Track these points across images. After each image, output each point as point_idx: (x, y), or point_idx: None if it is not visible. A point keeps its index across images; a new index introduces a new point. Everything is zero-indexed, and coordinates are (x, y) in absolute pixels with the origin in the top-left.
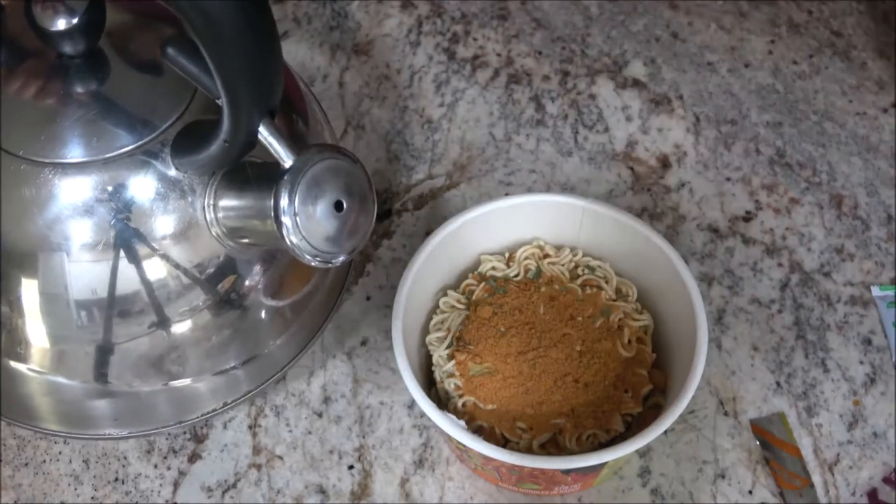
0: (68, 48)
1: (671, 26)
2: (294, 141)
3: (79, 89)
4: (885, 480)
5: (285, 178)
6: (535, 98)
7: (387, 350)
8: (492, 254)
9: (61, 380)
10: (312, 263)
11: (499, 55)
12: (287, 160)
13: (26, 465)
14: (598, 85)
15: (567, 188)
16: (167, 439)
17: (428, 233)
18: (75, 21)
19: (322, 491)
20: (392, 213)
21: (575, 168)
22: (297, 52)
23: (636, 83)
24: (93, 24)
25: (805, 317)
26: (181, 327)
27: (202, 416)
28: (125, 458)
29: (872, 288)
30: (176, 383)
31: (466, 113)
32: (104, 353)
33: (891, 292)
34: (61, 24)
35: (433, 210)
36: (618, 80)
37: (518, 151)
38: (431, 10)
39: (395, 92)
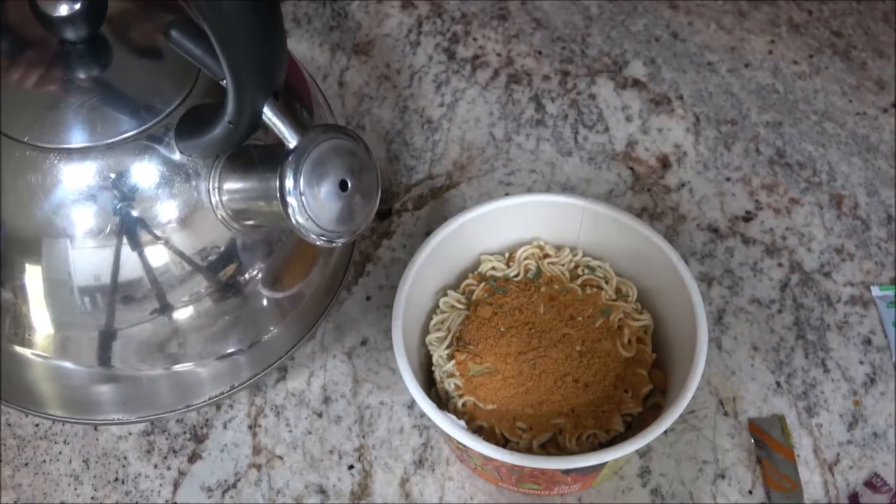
0: (70, 34)
1: (671, 26)
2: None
3: (81, 75)
4: (867, 485)
5: (290, 158)
6: (535, 98)
7: (387, 350)
8: (492, 254)
9: (65, 364)
10: (318, 242)
11: (499, 55)
12: (292, 140)
13: (26, 465)
14: (598, 85)
15: (567, 188)
16: (167, 439)
17: (428, 233)
18: (77, 7)
19: (322, 491)
20: (392, 213)
21: (575, 168)
22: (297, 52)
23: (636, 83)
24: (94, 9)
25: (805, 317)
26: (183, 313)
27: (203, 402)
28: (125, 458)
29: (872, 288)
30: (178, 368)
31: (466, 113)
32: (107, 338)
33: (891, 292)
34: (63, 10)
35: (433, 210)
36: (618, 80)
37: (518, 151)
38: (431, 10)
39: (395, 92)
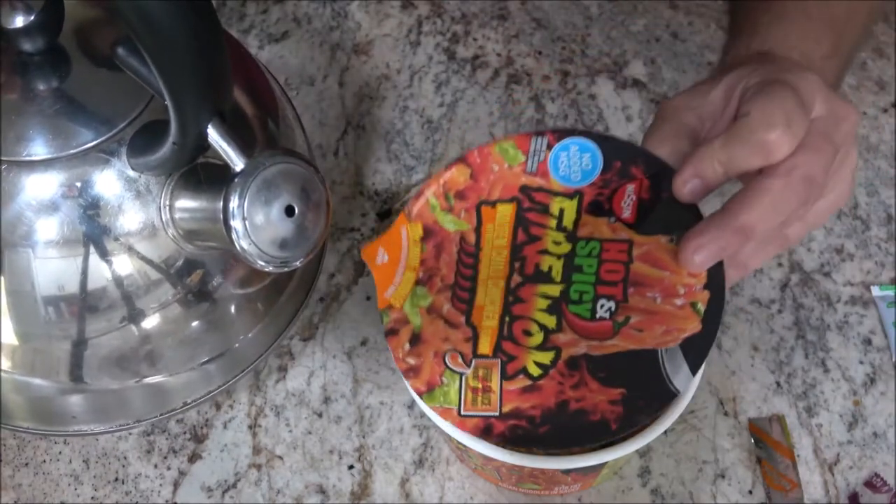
0: (27, 45)
1: (671, 26)
2: (266, 143)
3: (38, 86)
4: (867, 484)
5: (235, 181)
6: (535, 98)
7: (387, 350)
8: None
9: (31, 378)
10: (266, 269)
11: (499, 55)
12: (238, 163)
13: (26, 465)
14: (598, 85)
15: None
16: (167, 439)
17: None
18: (33, 18)
19: (322, 491)
20: (392, 213)
21: None
22: (297, 52)
23: (636, 83)
24: (51, 20)
25: (805, 317)
26: (149, 322)
27: (175, 410)
28: (125, 458)
29: (872, 288)
30: (148, 379)
31: (466, 113)
32: (73, 349)
33: (891, 292)
34: (19, 21)
35: None
36: (618, 80)
37: None
38: (431, 10)
39: (395, 92)
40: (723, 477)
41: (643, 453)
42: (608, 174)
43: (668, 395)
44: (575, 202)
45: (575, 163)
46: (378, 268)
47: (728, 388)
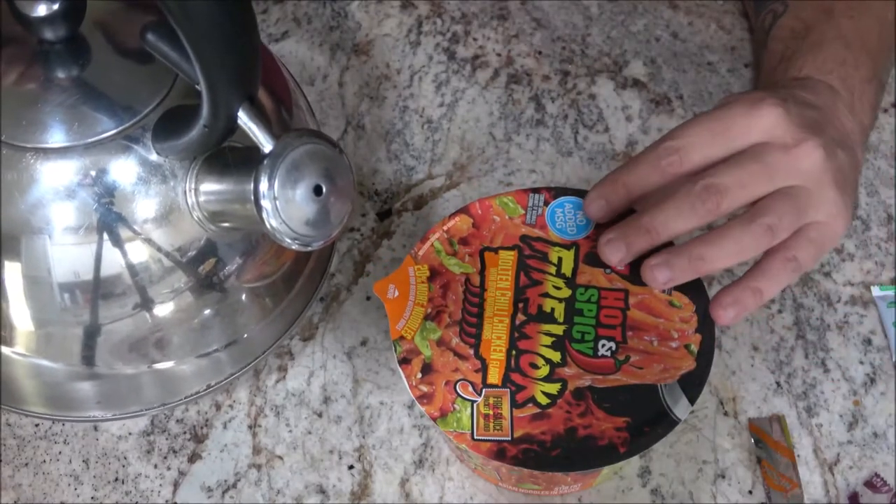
0: (49, 34)
1: (671, 26)
2: (282, 130)
3: (60, 75)
4: (867, 484)
5: (265, 162)
6: (535, 98)
7: (387, 350)
8: None
9: (45, 362)
10: (292, 247)
11: (499, 55)
12: (267, 144)
13: (26, 465)
14: (598, 85)
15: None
16: (167, 439)
17: None
18: (56, 7)
19: (322, 491)
20: (392, 212)
21: (575, 168)
22: (297, 52)
23: (636, 83)
24: (73, 9)
25: (805, 317)
26: (164, 309)
27: (186, 398)
28: (125, 458)
29: (872, 288)
30: (159, 366)
31: (466, 113)
32: (88, 335)
33: (891, 292)
34: (42, 9)
35: (433, 210)
36: (618, 80)
37: (518, 151)
38: (431, 10)
39: (395, 92)
40: (723, 477)
41: (643, 454)
42: (601, 228)
43: (670, 423)
44: (572, 252)
45: (570, 218)
46: (389, 301)
47: (728, 388)
